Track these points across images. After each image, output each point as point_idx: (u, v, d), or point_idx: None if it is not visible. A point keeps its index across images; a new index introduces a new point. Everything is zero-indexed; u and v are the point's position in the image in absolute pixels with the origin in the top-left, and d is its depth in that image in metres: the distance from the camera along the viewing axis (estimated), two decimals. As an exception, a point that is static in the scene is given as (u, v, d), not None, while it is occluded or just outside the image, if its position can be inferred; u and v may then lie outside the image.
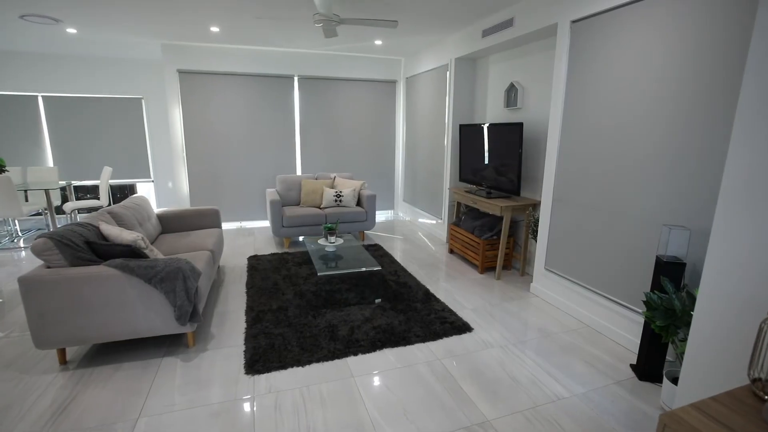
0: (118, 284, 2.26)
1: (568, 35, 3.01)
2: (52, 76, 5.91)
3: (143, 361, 2.45)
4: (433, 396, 2.17)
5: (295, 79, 5.80)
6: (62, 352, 2.38)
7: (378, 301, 3.28)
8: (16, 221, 5.60)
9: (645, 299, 2.25)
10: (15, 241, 5.11)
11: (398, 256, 4.54)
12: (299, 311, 3.09)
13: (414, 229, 5.86)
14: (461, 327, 2.89)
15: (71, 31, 4.39)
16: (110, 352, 2.55)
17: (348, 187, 5.20)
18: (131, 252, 2.40)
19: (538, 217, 3.73)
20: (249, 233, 5.52)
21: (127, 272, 2.25)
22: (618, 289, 2.74)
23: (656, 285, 2.23)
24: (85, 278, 2.21)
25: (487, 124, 4.05)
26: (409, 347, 2.65)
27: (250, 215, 6.01)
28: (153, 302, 2.35)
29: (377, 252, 4.64)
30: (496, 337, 2.79)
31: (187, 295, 2.35)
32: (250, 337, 2.71)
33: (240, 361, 2.47)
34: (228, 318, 3.03)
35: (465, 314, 3.13)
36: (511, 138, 3.71)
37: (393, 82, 6.30)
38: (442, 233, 5.21)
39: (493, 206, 3.77)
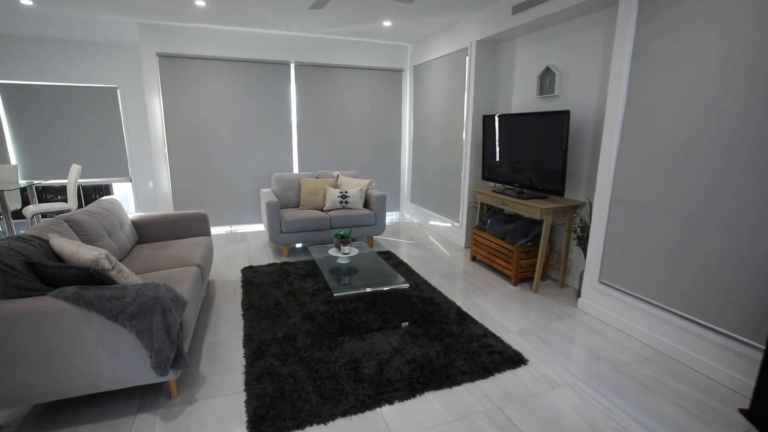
0: (71, 323, 1.64)
1: (635, 4, 2.50)
2: (9, 60, 5.13)
3: (109, 422, 1.83)
4: (504, 466, 1.62)
5: (292, 65, 5.18)
6: (-6, 416, 1.75)
7: (405, 324, 2.71)
8: (-32, 228, 4.85)
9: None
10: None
11: (415, 265, 3.97)
12: (310, 340, 2.50)
13: (424, 232, 5.30)
14: (513, 358, 2.35)
15: (26, 3, 3.69)
16: (62, 409, 1.91)
17: (354, 187, 4.61)
18: (90, 276, 1.77)
19: (587, 222, 3.22)
20: (241, 239, 4.88)
21: (83, 306, 1.63)
22: (707, 310, 2.23)
23: (785, 312, 1.73)
24: (22, 315, 1.59)
25: (521, 114, 3.52)
26: (455, 389, 2.09)
27: (241, 218, 5.36)
28: (121, 345, 1.73)
29: (391, 260, 4.07)
30: (559, 372, 2.26)
31: (168, 335, 1.74)
32: (252, 379, 2.11)
33: (241, 417, 1.87)
34: (221, 351, 2.42)
35: (512, 339, 2.59)
36: (553, 129, 3.18)
37: (399, 71, 5.73)
38: (460, 237, 4.67)
39: (530, 208, 3.24)
